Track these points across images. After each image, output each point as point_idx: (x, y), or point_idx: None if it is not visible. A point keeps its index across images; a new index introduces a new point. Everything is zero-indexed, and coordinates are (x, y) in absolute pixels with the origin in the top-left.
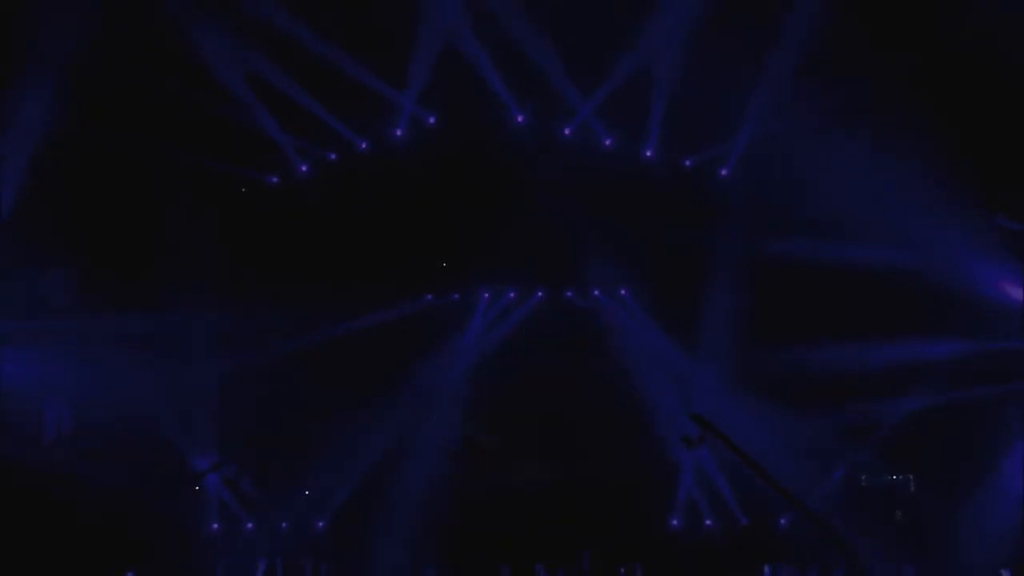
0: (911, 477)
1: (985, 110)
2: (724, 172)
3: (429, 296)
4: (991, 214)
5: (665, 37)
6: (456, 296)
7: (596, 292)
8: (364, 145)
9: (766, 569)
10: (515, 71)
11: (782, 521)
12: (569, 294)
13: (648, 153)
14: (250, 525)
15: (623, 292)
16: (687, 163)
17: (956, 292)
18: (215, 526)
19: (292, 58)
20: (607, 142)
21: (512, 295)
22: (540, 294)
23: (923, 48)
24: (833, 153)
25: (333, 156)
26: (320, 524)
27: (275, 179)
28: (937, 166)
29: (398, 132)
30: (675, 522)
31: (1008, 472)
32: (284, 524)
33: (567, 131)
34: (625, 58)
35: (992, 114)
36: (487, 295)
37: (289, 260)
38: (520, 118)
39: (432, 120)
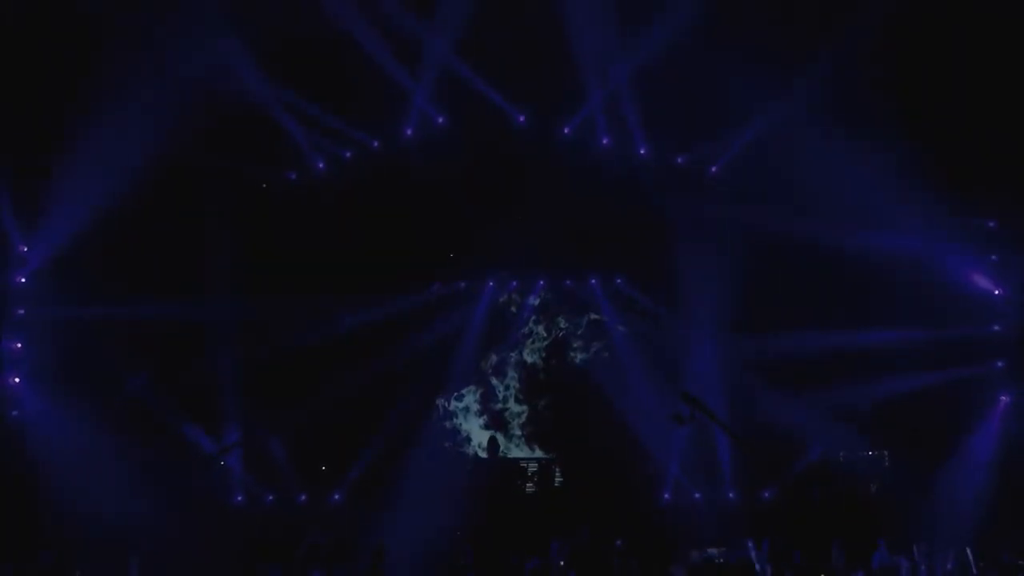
0: (885, 453)
1: (957, 115)
2: (713, 169)
3: (436, 284)
4: (964, 212)
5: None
6: (463, 284)
7: (593, 281)
8: (376, 143)
9: (749, 542)
10: (518, 72)
11: (765, 495)
12: (568, 283)
13: (642, 151)
14: (271, 498)
15: (619, 281)
16: (679, 160)
17: (932, 282)
18: (239, 498)
19: (307, 61)
20: (604, 140)
21: (515, 283)
22: (542, 283)
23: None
24: (814, 153)
25: (348, 154)
26: (336, 497)
27: (293, 175)
28: (915, 167)
29: (408, 131)
30: (667, 496)
31: (974, 449)
32: (303, 497)
33: (566, 130)
34: (621, 59)
35: (965, 118)
36: (491, 283)
37: (301, 251)
38: (522, 118)
39: (441, 120)
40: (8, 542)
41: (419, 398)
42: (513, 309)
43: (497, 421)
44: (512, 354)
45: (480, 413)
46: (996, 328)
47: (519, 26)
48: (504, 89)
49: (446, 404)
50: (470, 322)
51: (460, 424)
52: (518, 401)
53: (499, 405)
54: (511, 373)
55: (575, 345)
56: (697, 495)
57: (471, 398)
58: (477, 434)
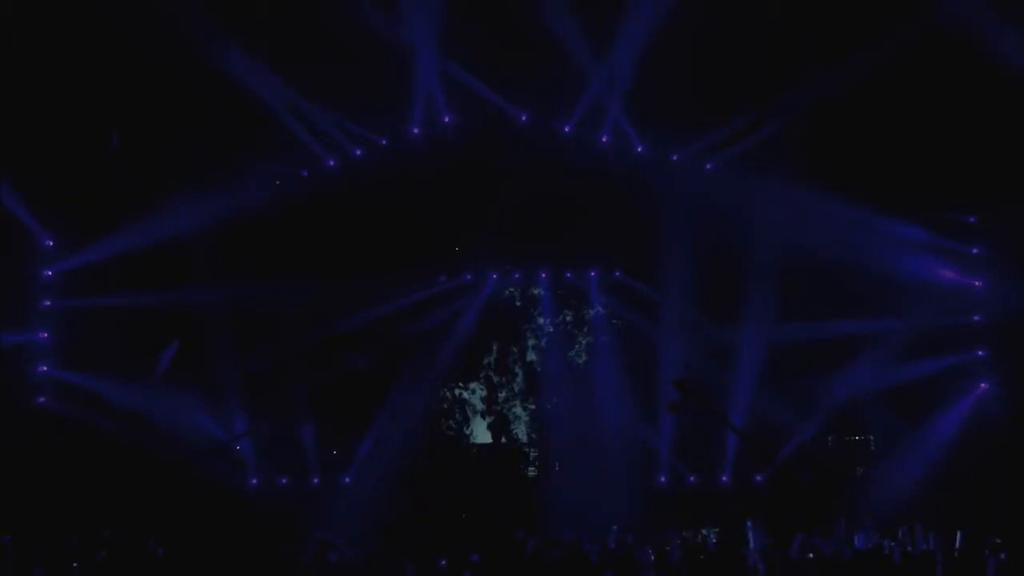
0: (871, 438)
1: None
2: (709, 166)
3: (443, 277)
4: (940, 210)
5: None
6: (468, 276)
7: (592, 274)
8: (384, 141)
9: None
10: (519, 71)
11: (757, 478)
12: (568, 275)
13: (639, 148)
14: (284, 480)
15: (617, 274)
16: (674, 157)
17: (916, 275)
18: (253, 481)
19: (316, 63)
20: (604, 139)
21: (517, 275)
22: (544, 275)
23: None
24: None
25: (358, 152)
26: (347, 479)
27: (305, 172)
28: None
29: (415, 130)
30: (663, 479)
31: (943, 430)
32: (316, 480)
33: (567, 128)
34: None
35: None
36: (495, 275)
37: (312, 247)
38: (523, 117)
39: (446, 119)
40: (33, 522)
41: (419, 386)
42: (517, 303)
43: (500, 420)
44: (514, 350)
45: (484, 414)
46: (976, 318)
47: (521, 24)
48: (505, 87)
49: (454, 392)
50: (471, 312)
51: (466, 399)
52: (523, 401)
53: (498, 406)
54: (516, 371)
55: (579, 341)
56: (691, 478)
57: (476, 396)
58: (479, 424)
